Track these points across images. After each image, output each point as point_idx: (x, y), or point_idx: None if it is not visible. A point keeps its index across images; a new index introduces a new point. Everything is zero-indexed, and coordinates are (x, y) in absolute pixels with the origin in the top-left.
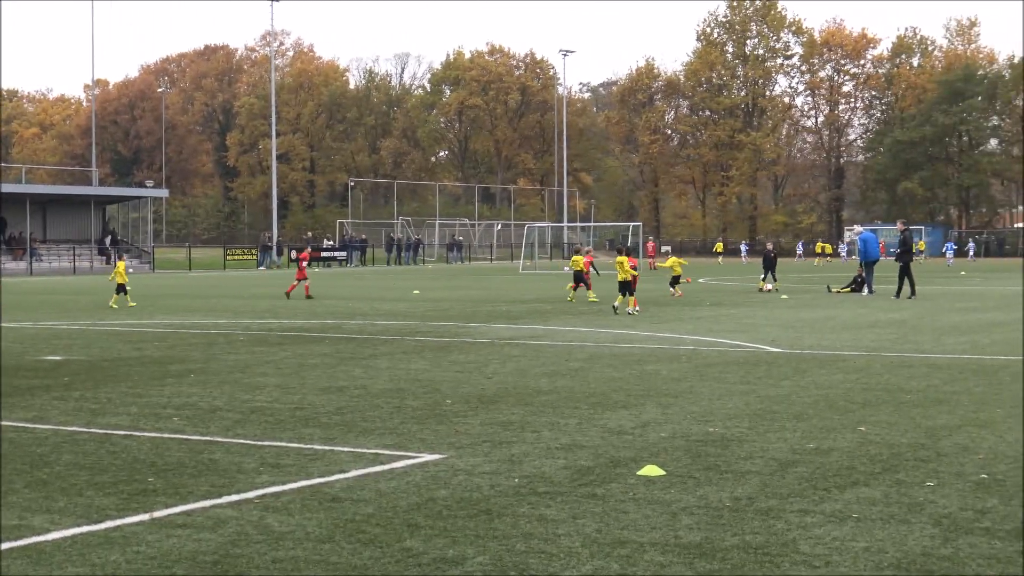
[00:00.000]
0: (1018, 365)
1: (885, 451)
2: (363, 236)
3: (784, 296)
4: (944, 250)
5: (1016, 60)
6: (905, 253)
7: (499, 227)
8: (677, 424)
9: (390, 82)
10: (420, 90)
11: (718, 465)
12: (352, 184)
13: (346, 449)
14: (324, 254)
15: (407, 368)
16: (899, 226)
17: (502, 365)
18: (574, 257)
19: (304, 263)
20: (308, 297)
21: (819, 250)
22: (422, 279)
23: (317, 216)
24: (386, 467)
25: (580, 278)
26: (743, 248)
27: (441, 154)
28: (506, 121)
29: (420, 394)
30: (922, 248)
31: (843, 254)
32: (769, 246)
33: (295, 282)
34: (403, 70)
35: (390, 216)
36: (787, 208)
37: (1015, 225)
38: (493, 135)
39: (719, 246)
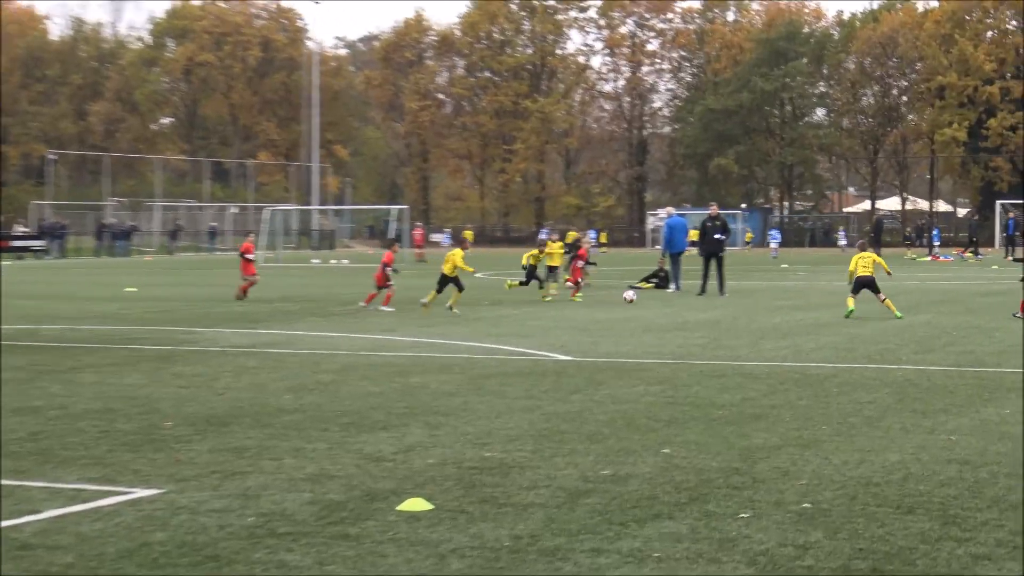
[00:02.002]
0: (847, 374)
1: (693, 477)
2: (65, 221)
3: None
4: (768, 240)
5: (846, 17)
6: (712, 243)
7: (234, 210)
8: (448, 448)
9: (102, 33)
10: (139, 43)
11: (496, 497)
12: (53, 157)
13: (40, 484)
14: (16, 243)
15: (118, 383)
16: (712, 210)
17: (236, 379)
18: (548, 247)
19: None
20: None
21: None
22: (138, 274)
23: (7, 197)
24: (90, 505)
25: (533, 274)
26: (543, 234)
27: (164, 121)
28: (244, 82)
29: (134, 415)
30: (749, 238)
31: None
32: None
33: None
34: (118, 19)
35: (99, 197)
36: (580, 188)
37: (844, 209)
38: (228, 99)
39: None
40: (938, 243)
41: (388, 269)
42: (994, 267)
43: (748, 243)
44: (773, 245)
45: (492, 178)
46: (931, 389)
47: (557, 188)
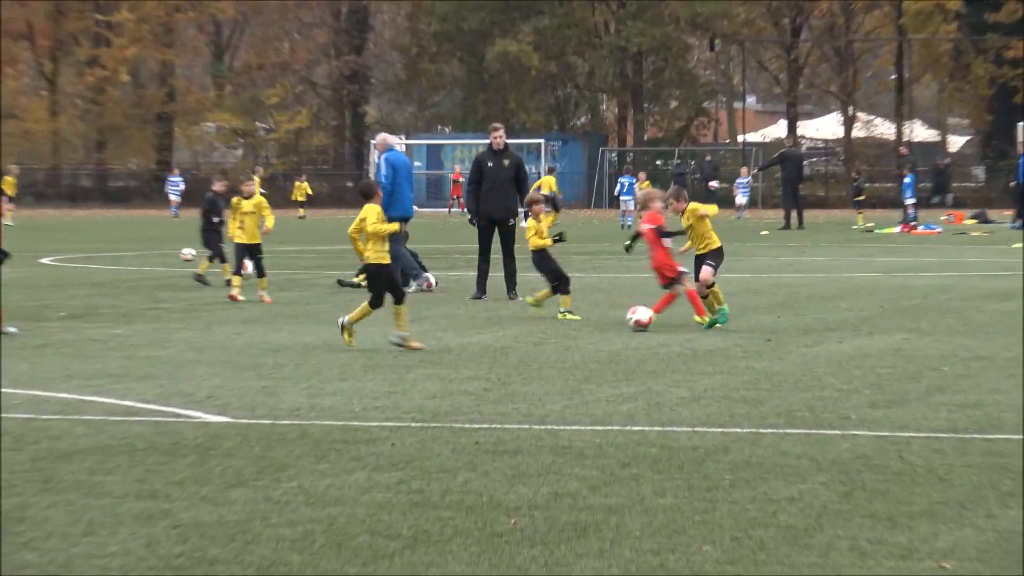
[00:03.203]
0: (747, 447)
1: None
2: None
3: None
4: (619, 189)
5: None
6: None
7: None
8: None
9: None
10: None
11: None
12: None
13: None
14: None
15: None
16: (495, 137)
17: None
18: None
19: None
20: None
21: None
22: None
23: None
24: None
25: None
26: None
27: None
28: None
29: None
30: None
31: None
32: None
33: None
34: None
35: None
36: (244, 98)
37: (743, 138)
38: None
39: None
40: (912, 200)
41: None
42: (1016, 245)
43: (552, 200)
44: (626, 200)
45: (73, 78)
46: (904, 476)
47: (199, 98)
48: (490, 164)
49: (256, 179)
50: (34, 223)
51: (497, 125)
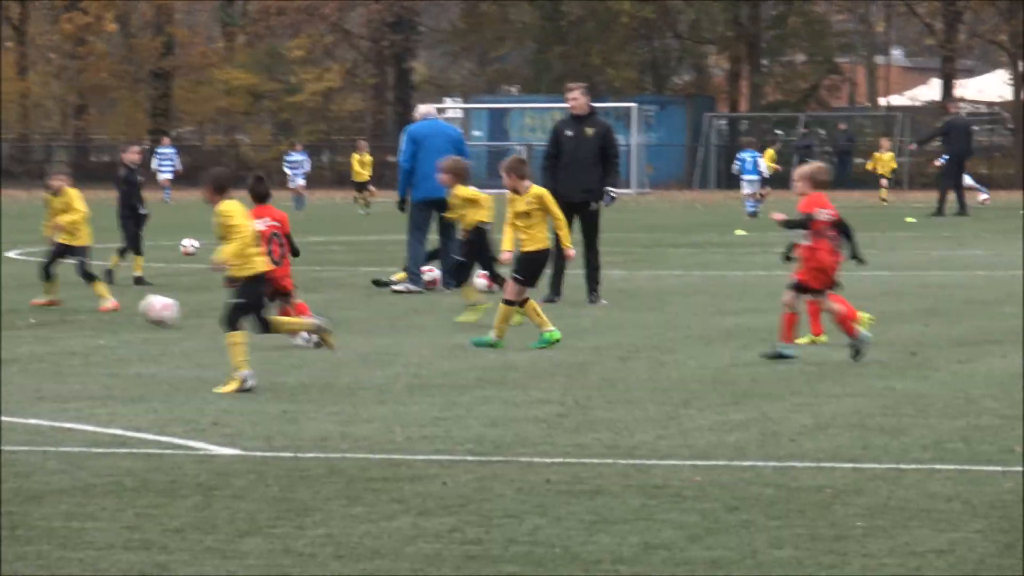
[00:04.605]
0: (889, 484)
1: None
2: None
3: None
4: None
5: None
6: (578, 180)
7: None
8: None
9: None
10: None
11: None
12: None
13: None
14: None
15: None
16: (575, 100)
17: None
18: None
19: None
20: None
21: None
22: None
23: None
24: None
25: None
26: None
27: None
28: None
29: None
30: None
31: None
32: None
33: None
34: None
35: None
36: (260, 52)
37: (884, 100)
38: None
39: None
40: None
41: None
42: None
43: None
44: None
45: (46, 26)
46: None
47: (204, 51)
48: (569, 134)
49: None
50: None
51: (573, 85)
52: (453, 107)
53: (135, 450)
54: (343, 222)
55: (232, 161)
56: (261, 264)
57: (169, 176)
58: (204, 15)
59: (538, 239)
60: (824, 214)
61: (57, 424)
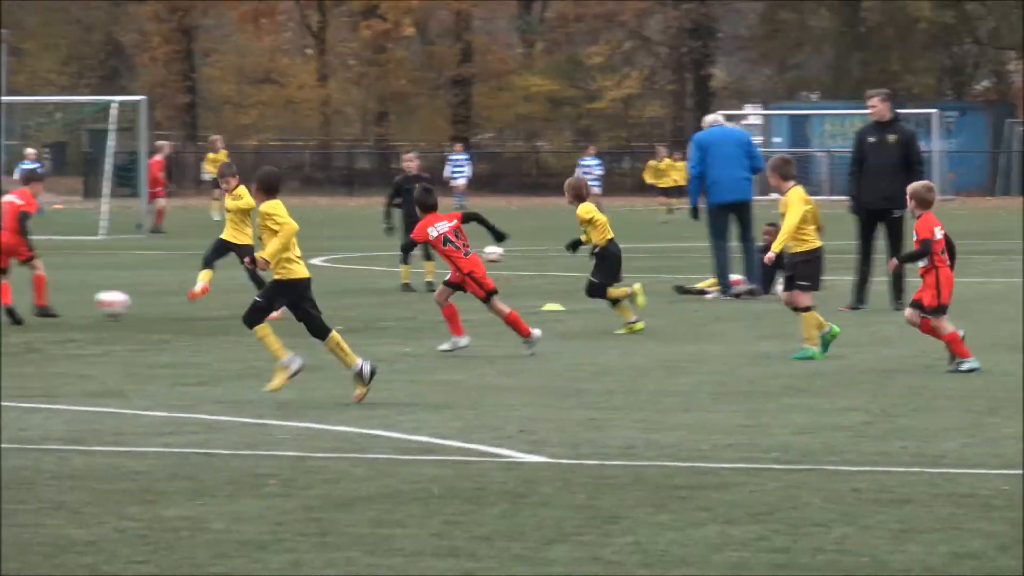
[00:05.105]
0: None
1: None
2: None
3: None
4: None
5: None
6: (883, 185)
7: None
8: None
9: None
10: None
11: None
12: None
13: None
14: None
15: None
16: (876, 107)
17: None
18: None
19: None
20: None
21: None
22: None
23: None
24: None
25: None
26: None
27: None
28: None
29: None
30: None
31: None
32: None
33: None
34: None
35: None
36: (560, 59)
37: None
38: None
39: None
40: None
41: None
42: None
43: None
44: None
45: (346, 33)
46: None
47: (502, 58)
48: (871, 140)
49: None
50: (301, 212)
51: (873, 92)
52: (753, 113)
53: (442, 457)
54: (644, 229)
55: (532, 167)
56: (300, 270)
57: (462, 182)
58: (502, 22)
59: (808, 239)
60: (939, 232)
61: (364, 431)
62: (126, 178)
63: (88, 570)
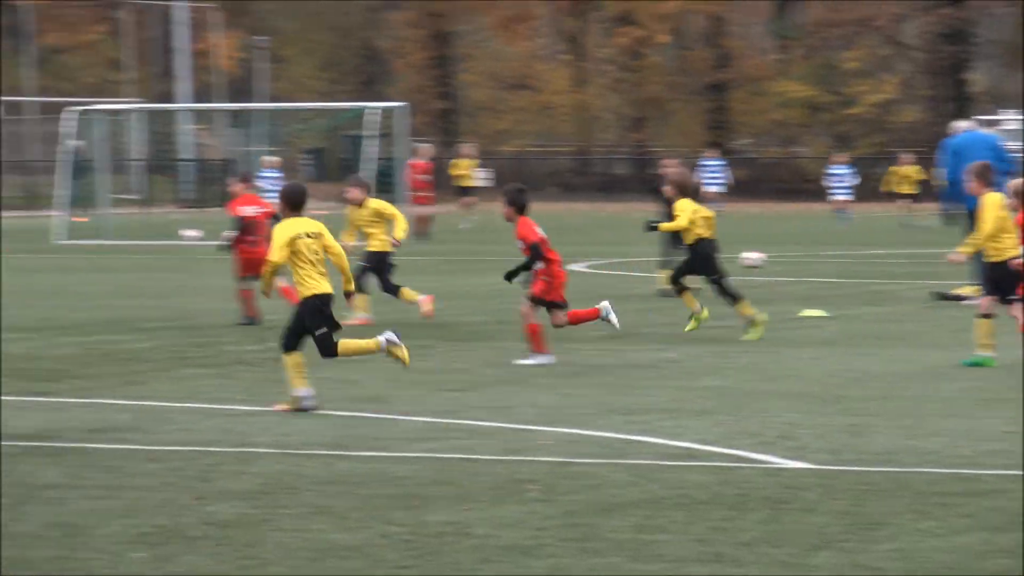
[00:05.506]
0: None
1: None
2: None
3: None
4: None
5: None
6: None
7: None
8: None
9: None
10: None
11: None
12: None
13: None
14: None
15: None
16: None
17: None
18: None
19: None
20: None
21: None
22: None
23: None
24: None
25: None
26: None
27: None
28: None
29: None
30: None
31: None
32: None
33: None
34: None
35: None
36: (816, 64)
37: None
38: None
39: None
40: None
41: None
42: None
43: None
44: None
45: (602, 39)
46: None
47: (758, 63)
48: None
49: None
50: (559, 219)
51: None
52: (1011, 119)
53: (704, 463)
54: (902, 235)
55: (789, 173)
56: (325, 285)
57: (717, 189)
58: (758, 27)
59: (1004, 248)
60: None
61: (626, 436)
62: (385, 184)
63: (352, 571)
